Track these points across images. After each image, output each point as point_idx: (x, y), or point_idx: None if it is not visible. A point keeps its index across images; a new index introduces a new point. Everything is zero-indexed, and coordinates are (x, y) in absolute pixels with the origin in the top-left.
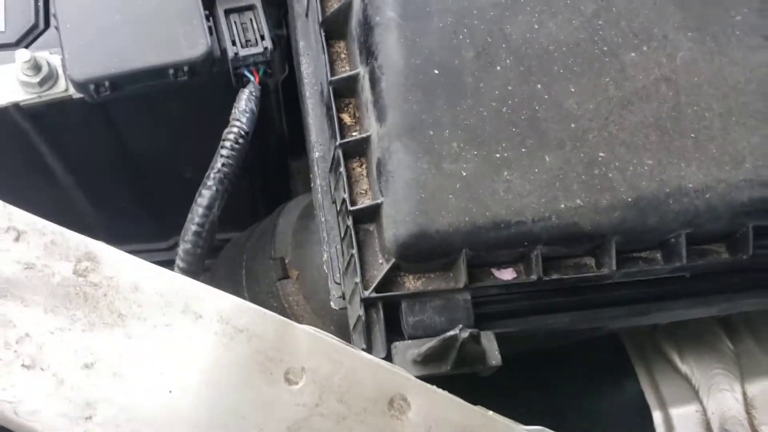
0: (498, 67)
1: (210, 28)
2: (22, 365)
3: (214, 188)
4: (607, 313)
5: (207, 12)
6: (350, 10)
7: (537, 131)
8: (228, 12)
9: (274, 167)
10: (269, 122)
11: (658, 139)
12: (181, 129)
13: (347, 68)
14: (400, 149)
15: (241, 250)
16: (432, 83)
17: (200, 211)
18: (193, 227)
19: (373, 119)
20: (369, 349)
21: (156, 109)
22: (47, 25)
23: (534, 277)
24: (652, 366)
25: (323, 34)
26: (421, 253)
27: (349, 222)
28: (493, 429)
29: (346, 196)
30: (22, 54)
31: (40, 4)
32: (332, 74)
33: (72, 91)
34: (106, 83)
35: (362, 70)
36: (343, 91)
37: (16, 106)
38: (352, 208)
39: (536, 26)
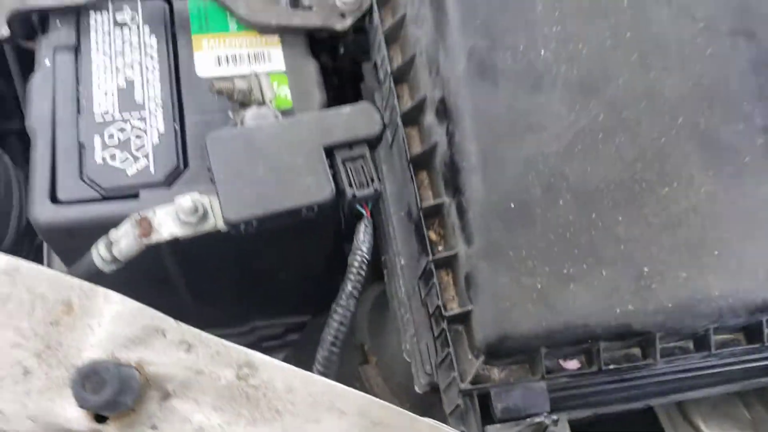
0: (561, 201)
1: (332, 175)
2: None
3: (347, 307)
4: (652, 394)
5: (329, 161)
6: (435, 151)
7: (594, 252)
8: (344, 161)
9: (337, 257)
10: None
11: (689, 257)
12: (288, 246)
13: (430, 194)
14: (486, 267)
15: None
16: (509, 214)
17: (335, 325)
18: (330, 338)
19: (461, 240)
20: None
21: (276, 234)
22: (186, 165)
23: (595, 367)
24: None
25: (411, 167)
26: (506, 351)
27: (444, 325)
28: None
29: (440, 302)
30: (185, 199)
31: (180, 150)
32: (422, 201)
33: (221, 226)
34: (254, 222)
35: (448, 200)
36: (431, 214)
37: (175, 240)
38: (447, 314)
39: (589, 169)
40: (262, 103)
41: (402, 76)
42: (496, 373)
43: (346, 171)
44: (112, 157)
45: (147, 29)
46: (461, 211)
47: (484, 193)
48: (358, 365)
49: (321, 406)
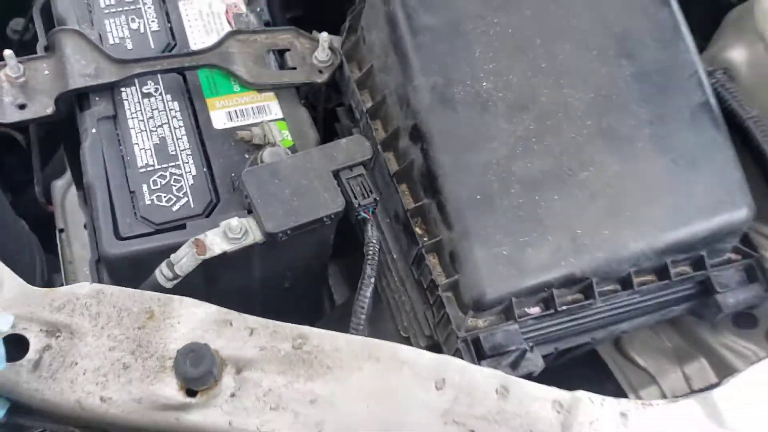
0: (512, 190)
1: (341, 191)
2: (270, 408)
3: (370, 287)
4: (594, 327)
5: (337, 181)
6: (412, 166)
7: (541, 223)
8: (348, 179)
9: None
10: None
11: (609, 219)
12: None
13: (411, 200)
14: (465, 245)
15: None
16: (477, 204)
17: (362, 297)
18: (360, 308)
19: (443, 228)
20: None
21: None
22: (218, 199)
23: (552, 310)
24: (622, 366)
25: (394, 181)
26: (487, 305)
27: (439, 292)
28: None
29: (433, 276)
30: (233, 220)
31: (211, 187)
32: (408, 206)
33: (259, 239)
34: (288, 231)
35: (428, 201)
36: (415, 214)
37: (224, 254)
38: (441, 283)
39: (529, 164)
40: (273, 144)
41: (375, 112)
42: (481, 323)
43: (351, 187)
44: (159, 198)
45: (169, 96)
46: (441, 207)
47: (457, 191)
48: None
49: (361, 358)
